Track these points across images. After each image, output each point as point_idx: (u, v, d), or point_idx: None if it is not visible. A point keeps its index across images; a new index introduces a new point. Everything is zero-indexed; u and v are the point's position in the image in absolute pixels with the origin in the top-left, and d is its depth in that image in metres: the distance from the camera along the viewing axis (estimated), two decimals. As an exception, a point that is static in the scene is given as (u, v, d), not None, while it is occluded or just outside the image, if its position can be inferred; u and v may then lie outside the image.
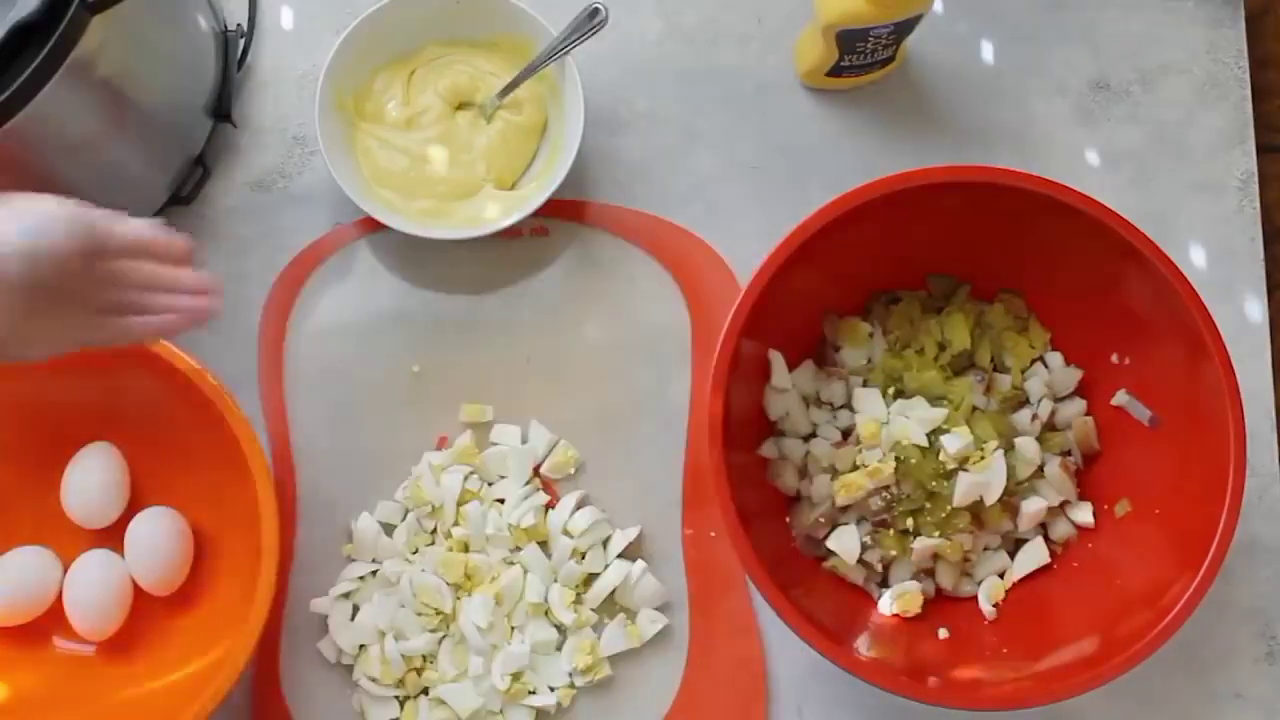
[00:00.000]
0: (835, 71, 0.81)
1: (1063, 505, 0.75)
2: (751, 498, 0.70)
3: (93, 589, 0.74)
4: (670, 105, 0.84)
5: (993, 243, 0.74)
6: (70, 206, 0.55)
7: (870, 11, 0.73)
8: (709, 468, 0.67)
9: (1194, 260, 0.82)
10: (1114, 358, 0.75)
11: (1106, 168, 0.84)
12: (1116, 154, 0.84)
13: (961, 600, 0.75)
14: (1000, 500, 0.72)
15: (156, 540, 0.74)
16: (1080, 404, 0.76)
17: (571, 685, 0.74)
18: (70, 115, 0.68)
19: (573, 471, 0.78)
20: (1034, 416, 0.75)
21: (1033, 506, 0.73)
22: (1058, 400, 0.77)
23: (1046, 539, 0.75)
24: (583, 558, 0.76)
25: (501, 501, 0.77)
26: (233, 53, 0.83)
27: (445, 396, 0.79)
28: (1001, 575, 0.75)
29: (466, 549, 0.76)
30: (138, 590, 0.75)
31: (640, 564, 0.75)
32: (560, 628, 0.75)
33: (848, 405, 0.76)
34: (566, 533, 0.76)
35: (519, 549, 0.76)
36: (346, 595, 0.76)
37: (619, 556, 0.76)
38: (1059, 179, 0.69)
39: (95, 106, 0.70)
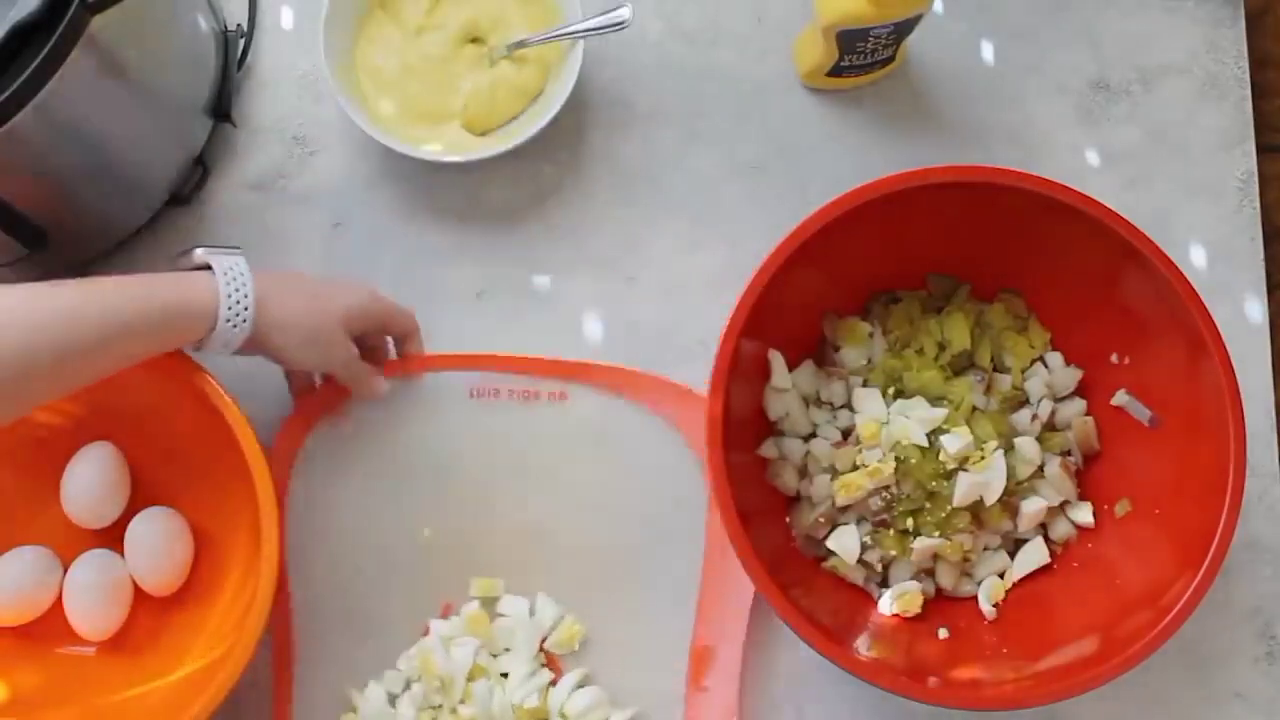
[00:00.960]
0: (835, 71, 0.81)
1: (1063, 505, 0.75)
2: (751, 498, 0.70)
3: (93, 589, 0.74)
4: (670, 105, 0.84)
5: (993, 243, 0.74)
6: (378, 297, 0.75)
7: (870, 11, 0.73)
8: (709, 468, 0.67)
9: (1194, 260, 0.82)
10: (1114, 358, 0.75)
11: (1106, 168, 0.84)
12: (1116, 154, 0.84)
13: (961, 600, 0.75)
14: (1000, 500, 0.72)
15: (156, 540, 0.74)
16: (1080, 404, 0.76)
17: None
18: (70, 115, 0.68)
19: (577, 648, 0.75)
20: (1034, 416, 0.75)
21: (1033, 506, 0.73)
22: (1058, 400, 0.77)
23: (1046, 539, 0.75)
24: None
25: (504, 675, 0.75)
26: (233, 53, 0.83)
27: (452, 563, 0.76)
28: (1001, 575, 0.75)
29: None
30: (138, 590, 0.75)
31: None
32: None
33: (848, 405, 0.76)
34: (563, 715, 0.73)
35: None
36: None
37: None
38: (1059, 179, 0.69)
39: (95, 106, 0.70)
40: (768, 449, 0.76)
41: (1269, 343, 0.81)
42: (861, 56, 0.79)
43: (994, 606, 0.73)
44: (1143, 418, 0.73)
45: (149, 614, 0.75)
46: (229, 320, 0.66)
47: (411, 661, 0.74)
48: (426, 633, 0.75)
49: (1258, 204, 0.83)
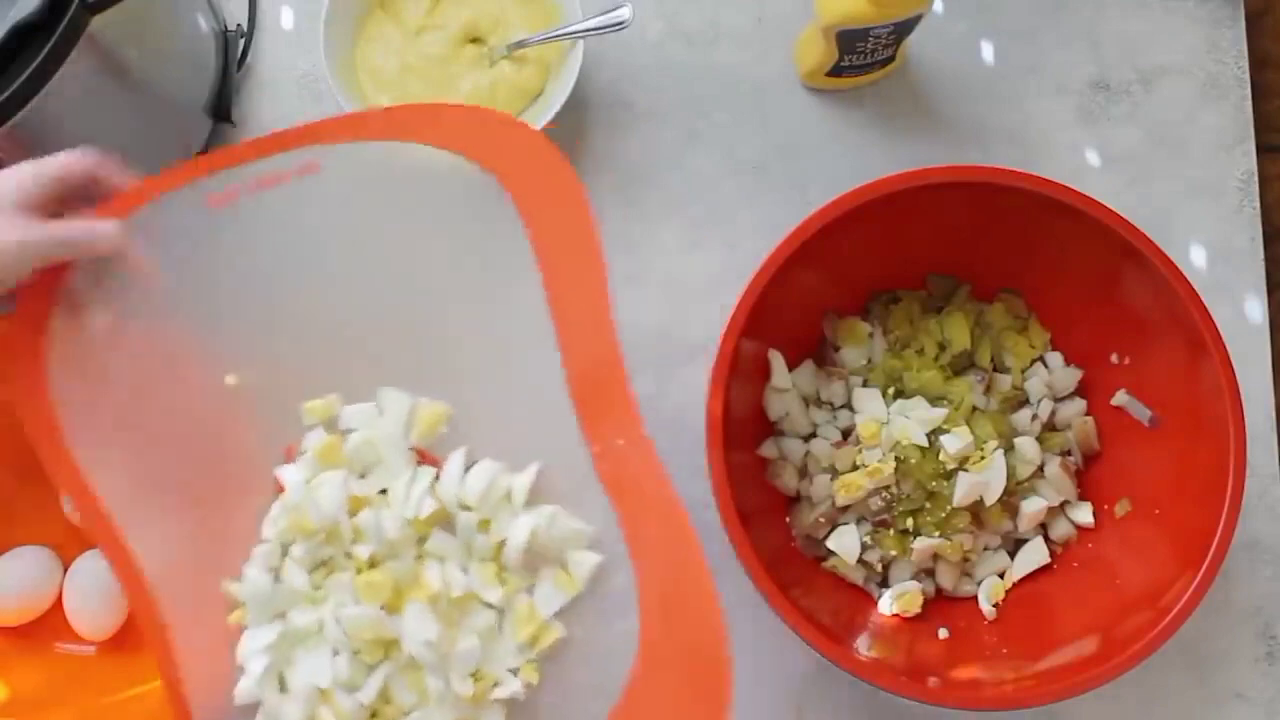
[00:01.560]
0: (835, 71, 0.81)
1: (1063, 505, 0.75)
2: (751, 498, 0.70)
3: (93, 589, 0.74)
4: (670, 105, 0.84)
5: (993, 243, 0.74)
6: (39, 165, 0.61)
7: (870, 11, 0.73)
8: (710, 468, 0.67)
9: (1194, 260, 0.82)
10: (1114, 358, 0.75)
11: (1106, 168, 0.84)
12: (1116, 154, 0.84)
13: (961, 600, 0.75)
14: (1000, 500, 0.72)
15: (156, 540, 0.74)
16: (1080, 404, 0.76)
17: (528, 660, 0.63)
18: (69, 115, 0.68)
19: (445, 430, 0.65)
20: (1034, 416, 0.75)
21: (1033, 506, 0.73)
22: (1058, 400, 0.77)
23: (1046, 539, 0.75)
24: (488, 524, 0.64)
25: (383, 492, 0.65)
26: (233, 53, 0.83)
27: (273, 402, 0.66)
28: (1001, 575, 0.75)
29: (373, 564, 0.64)
30: (138, 590, 0.75)
31: (547, 509, 0.64)
32: (494, 607, 0.64)
33: (848, 405, 0.76)
34: (464, 505, 0.64)
35: (423, 539, 0.64)
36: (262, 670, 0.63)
37: (527, 506, 0.64)
38: (1059, 179, 0.69)
39: (95, 106, 0.70)
40: (768, 449, 0.76)
41: (1269, 343, 0.81)
42: (861, 56, 0.79)
43: (994, 606, 0.73)
44: (1143, 418, 0.73)
45: (149, 614, 0.75)
46: None
47: (278, 524, 0.63)
48: (281, 489, 0.65)
49: (1258, 204, 0.83)
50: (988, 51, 0.86)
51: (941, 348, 0.76)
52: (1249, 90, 0.85)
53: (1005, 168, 0.70)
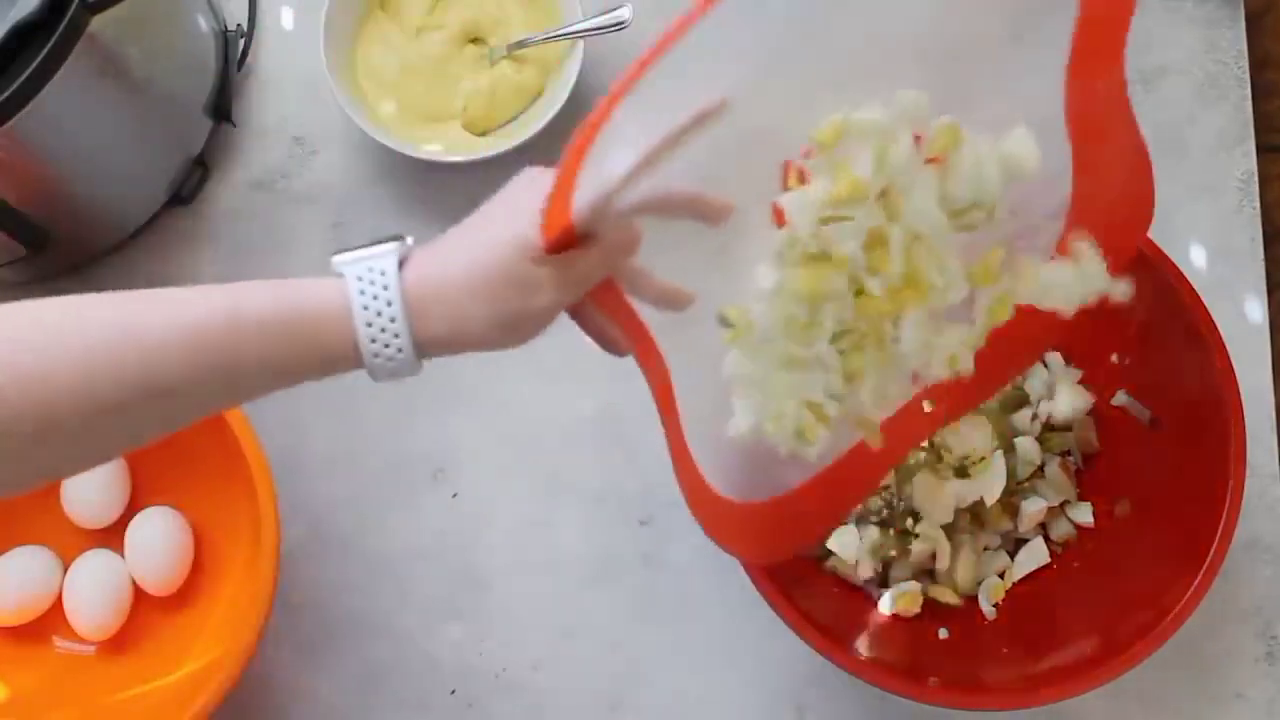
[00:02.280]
0: (835, 71, 0.81)
1: (1063, 505, 0.75)
2: (752, 497, 0.70)
3: (93, 589, 0.74)
4: (671, 105, 0.84)
5: (993, 243, 0.74)
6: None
7: (870, 11, 0.73)
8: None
9: (1194, 260, 0.82)
10: (1114, 358, 0.75)
11: (1106, 168, 0.84)
12: (1116, 154, 0.84)
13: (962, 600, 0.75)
14: (1000, 500, 0.72)
15: (156, 540, 0.74)
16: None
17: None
18: (70, 115, 0.68)
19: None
20: (1034, 416, 0.75)
21: (1033, 506, 0.73)
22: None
23: (1046, 539, 0.75)
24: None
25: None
26: (233, 53, 0.83)
27: (765, 126, 0.52)
28: (1001, 575, 0.75)
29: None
30: (138, 590, 0.75)
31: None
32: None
33: (848, 405, 0.76)
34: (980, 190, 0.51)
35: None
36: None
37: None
38: (1059, 179, 0.69)
39: (95, 106, 0.70)
40: (768, 449, 0.76)
41: (1269, 343, 0.81)
42: (862, 56, 0.79)
43: (994, 606, 0.73)
44: (1143, 418, 0.73)
45: (149, 614, 0.75)
46: (373, 338, 0.47)
47: (790, 249, 0.51)
48: (780, 219, 0.52)
49: (1258, 204, 0.83)
50: (988, 51, 0.86)
51: (941, 348, 0.76)
52: (1249, 90, 0.85)
53: (1005, 168, 0.70)
